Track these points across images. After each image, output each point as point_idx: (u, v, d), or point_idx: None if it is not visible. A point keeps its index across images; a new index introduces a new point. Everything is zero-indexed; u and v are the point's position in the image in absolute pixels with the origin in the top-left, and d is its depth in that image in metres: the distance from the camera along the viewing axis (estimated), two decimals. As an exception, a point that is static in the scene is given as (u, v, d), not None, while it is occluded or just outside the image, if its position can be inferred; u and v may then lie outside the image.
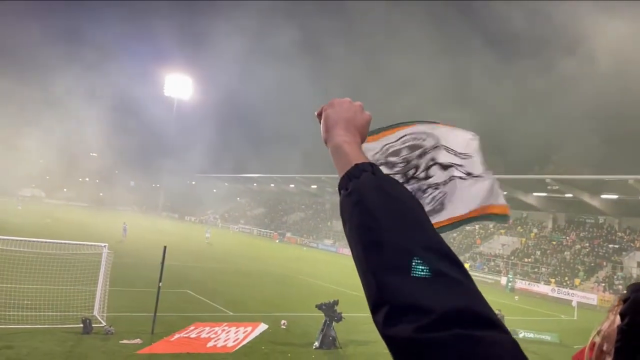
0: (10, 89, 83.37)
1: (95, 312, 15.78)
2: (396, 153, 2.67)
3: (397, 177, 2.58)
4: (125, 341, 14.06)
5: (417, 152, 2.66)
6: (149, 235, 47.22)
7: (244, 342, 15.34)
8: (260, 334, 16.66)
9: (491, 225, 62.48)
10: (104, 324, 15.09)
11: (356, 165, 1.07)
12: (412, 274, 0.83)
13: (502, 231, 57.57)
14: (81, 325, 14.37)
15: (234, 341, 15.26)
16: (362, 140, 1.26)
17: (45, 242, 18.70)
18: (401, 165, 2.66)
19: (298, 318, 19.25)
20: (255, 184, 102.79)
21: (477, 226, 63.01)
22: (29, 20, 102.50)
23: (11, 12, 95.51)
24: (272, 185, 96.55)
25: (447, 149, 2.70)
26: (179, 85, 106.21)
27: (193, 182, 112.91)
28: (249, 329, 16.94)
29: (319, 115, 1.32)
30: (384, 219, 0.93)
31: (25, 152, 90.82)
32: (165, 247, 15.72)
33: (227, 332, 16.15)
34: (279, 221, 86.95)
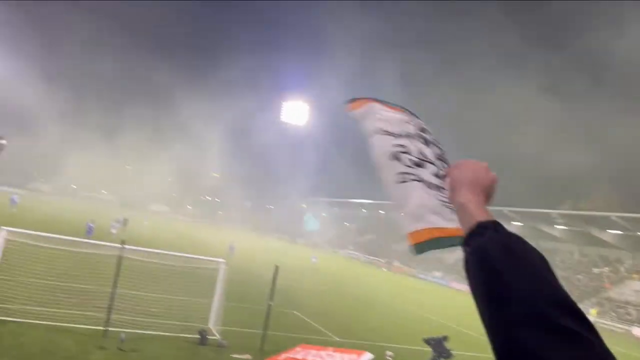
0: (144, 115, 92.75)
1: (211, 325, 16.59)
2: (425, 130, 2.28)
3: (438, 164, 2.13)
4: (236, 355, 14.57)
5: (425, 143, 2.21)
6: (259, 254, 49.08)
7: (349, 370, 15.14)
8: (365, 363, 16.35)
9: (622, 268, 56.46)
10: (218, 337, 15.79)
11: (479, 223, 1.12)
12: (538, 330, 0.84)
13: (636, 275, 51.74)
14: (198, 336, 15.18)
15: (338, 367, 15.11)
16: (488, 200, 1.28)
17: (169, 254, 20.16)
18: (439, 148, 2.24)
19: (404, 351, 18.67)
20: (364, 210, 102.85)
21: (606, 268, 57.33)
22: (160, 58, 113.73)
23: (147, 51, 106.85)
24: (382, 212, 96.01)
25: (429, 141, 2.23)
26: (295, 111, 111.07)
27: (304, 205, 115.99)
28: (354, 356, 16.72)
29: (445, 176, 1.42)
30: (509, 275, 0.95)
31: (155, 172, 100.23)
32: (277, 267, 16.18)
33: (332, 358, 16.06)
34: (388, 249, 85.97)
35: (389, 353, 17.61)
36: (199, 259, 20.10)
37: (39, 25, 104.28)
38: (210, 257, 19.54)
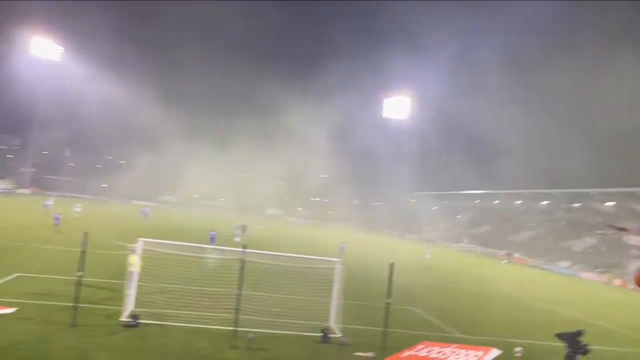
0: (253, 125, 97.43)
1: (331, 323, 16.96)
2: None
3: None
4: (359, 353, 14.73)
5: None
6: (370, 252, 49.18)
7: (476, 367, 14.63)
8: (493, 359, 15.71)
9: None
10: (340, 335, 16.10)
11: None
12: None
13: None
14: (320, 334, 15.59)
15: (464, 364, 14.67)
16: None
17: (287, 255, 20.93)
18: None
19: (535, 346, 17.64)
20: (477, 201, 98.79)
21: None
22: (264, 70, 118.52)
23: (251, 65, 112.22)
24: (497, 201, 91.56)
25: None
26: (396, 106, 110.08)
27: (413, 200, 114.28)
28: (481, 353, 16.11)
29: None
30: None
31: (266, 178, 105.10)
32: (392, 264, 16.11)
33: (457, 355, 15.62)
34: (505, 240, 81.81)
35: (517, 349, 16.73)
36: (315, 259, 20.64)
37: (151, 52, 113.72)
38: (324, 256, 19.96)
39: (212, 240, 36.53)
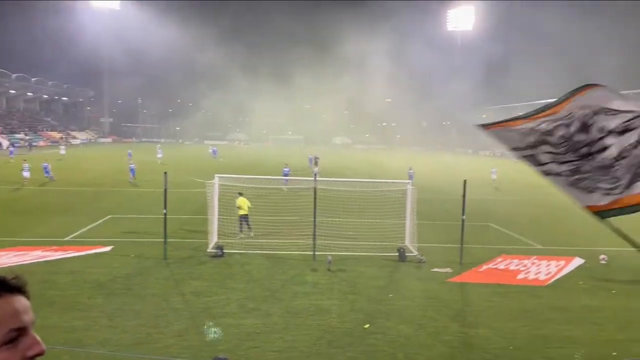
0: (312, 57, 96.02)
1: (407, 243, 17.21)
2: (550, 133, 2.65)
3: (567, 156, 2.65)
4: (436, 269, 14.97)
5: (576, 127, 2.57)
6: (443, 171, 48.44)
7: (558, 276, 14.49)
8: (576, 268, 15.45)
9: None
10: (416, 253, 16.35)
11: None
12: None
13: None
14: (397, 254, 15.92)
15: (546, 275, 14.57)
16: None
17: (358, 181, 21.19)
18: (564, 145, 2.65)
19: (620, 253, 17.04)
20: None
21: None
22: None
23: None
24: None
25: (608, 111, 2.50)
26: (460, 17, 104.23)
27: (484, 115, 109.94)
28: (562, 263, 15.89)
29: None
30: None
31: (331, 107, 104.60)
32: (465, 181, 15.85)
33: (538, 266, 15.51)
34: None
35: (602, 256, 16.30)
36: (386, 182, 20.73)
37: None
38: (395, 179, 19.95)
39: (286, 175, 37.11)
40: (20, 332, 1.15)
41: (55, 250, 15.42)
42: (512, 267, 15.32)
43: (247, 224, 18.20)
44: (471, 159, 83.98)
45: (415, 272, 14.93)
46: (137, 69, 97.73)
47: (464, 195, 15.87)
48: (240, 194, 18.22)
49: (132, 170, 35.21)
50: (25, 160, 32.25)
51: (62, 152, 57.85)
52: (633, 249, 3.25)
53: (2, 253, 14.88)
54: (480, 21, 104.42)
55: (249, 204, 18.12)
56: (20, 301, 1.19)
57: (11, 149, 54.25)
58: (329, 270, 14.49)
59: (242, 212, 17.92)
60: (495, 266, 15.47)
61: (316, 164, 44.80)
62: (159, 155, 52.23)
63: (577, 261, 16.09)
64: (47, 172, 33.18)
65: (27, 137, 78.22)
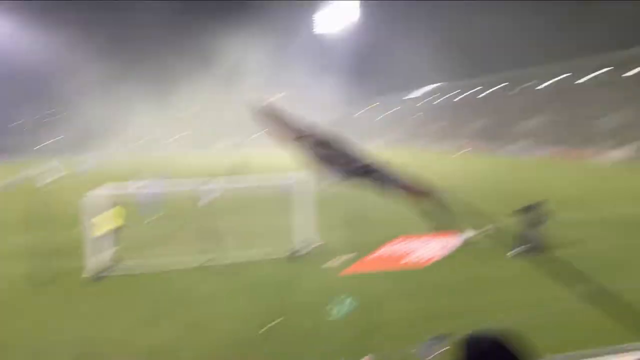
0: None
1: (300, 239, 16.49)
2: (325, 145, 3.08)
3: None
4: (329, 264, 14.44)
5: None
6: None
7: (442, 254, 14.56)
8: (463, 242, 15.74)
9: None
10: (309, 248, 15.71)
11: None
12: None
13: None
14: (290, 253, 15.14)
15: (430, 255, 14.59)
16: None
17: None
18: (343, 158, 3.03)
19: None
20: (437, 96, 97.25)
21: None
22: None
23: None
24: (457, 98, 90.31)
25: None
26: (333, 16, 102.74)
27: (377, 104, 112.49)
28: (452, 239, 16.08)
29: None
30: None
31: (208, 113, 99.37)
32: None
33: (427, 244, 15.55)
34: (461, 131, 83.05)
35: (489, 227, 16.76)
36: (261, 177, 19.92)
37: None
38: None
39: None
40: None
41: None
42: (402, 250, 15.21)
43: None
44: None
45: (307, 268, 14.32)
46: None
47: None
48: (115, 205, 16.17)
49: None
50: None
51: None
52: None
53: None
54: (355, 22, 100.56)
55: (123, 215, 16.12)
56: None
57: None
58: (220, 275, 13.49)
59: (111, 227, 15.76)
60: (387, 250, 15.26)
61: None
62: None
63: (467, 234, 16.40)
64: None
65: None
